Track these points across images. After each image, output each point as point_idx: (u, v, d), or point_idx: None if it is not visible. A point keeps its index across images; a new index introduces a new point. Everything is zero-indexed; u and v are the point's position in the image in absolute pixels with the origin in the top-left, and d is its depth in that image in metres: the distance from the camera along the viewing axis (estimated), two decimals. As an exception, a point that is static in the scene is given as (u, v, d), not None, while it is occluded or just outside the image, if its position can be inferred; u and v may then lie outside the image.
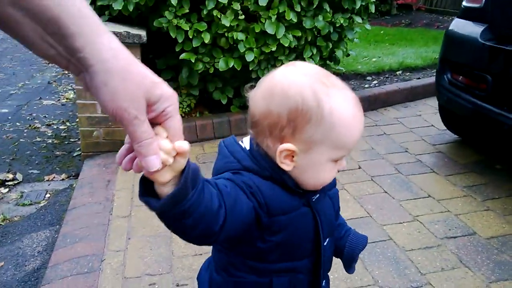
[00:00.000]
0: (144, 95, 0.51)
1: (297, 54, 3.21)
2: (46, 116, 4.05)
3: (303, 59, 3.18)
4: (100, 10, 2.85)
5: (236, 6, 2.76)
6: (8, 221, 2.35)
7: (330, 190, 0.87)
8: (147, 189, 0.61)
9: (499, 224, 2.09)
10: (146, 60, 3.17)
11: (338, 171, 0.77)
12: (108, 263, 1.80)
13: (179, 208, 0.60)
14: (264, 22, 2.85)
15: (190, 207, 0.61)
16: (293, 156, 0.73)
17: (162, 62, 3.16)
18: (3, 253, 2.01)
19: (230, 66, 2.92)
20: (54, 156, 3.22)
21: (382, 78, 4.67)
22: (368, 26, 3.57)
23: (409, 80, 4.21)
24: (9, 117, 4.03)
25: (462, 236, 2.01)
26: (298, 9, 2.90)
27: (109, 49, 0.50)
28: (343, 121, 0.70)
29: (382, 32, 7.05)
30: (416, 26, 7.99)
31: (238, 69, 2.97)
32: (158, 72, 3.20)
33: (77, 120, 3.26)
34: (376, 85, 4.33)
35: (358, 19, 3.29)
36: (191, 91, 3.22)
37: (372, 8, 3.49)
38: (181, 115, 3.15)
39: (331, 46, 3.30)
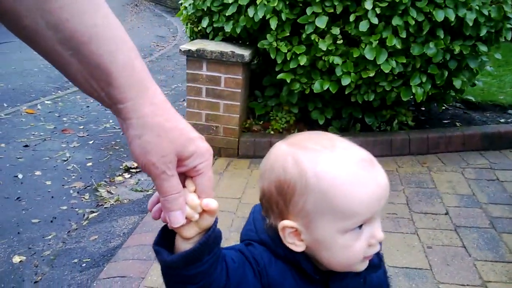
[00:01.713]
0: (175, 151, 0.52)
1: (404, 80, 3.03)
2: (183, 116, 4.73)
3: (410, 86, 3.00)
4: (215, 31, 3.24)
5: (335, 30, 2.79)
6: (119, 202, 2.90)
7: (369, 272, 0.69)
8: (165, 237, 0.59)
9: None
10: (252, 78, 3.45)
11: (371, 245, 0.64)
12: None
13: (189, 271, 0.58)
14: (364, 47, 2.80)
15: (200, 273, 0.58)
16: (300, 235, 0.65)
17: (267, 80, 3.38)
18: (101, 228, 2.52)
19: (325, 88, 2.96)
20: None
21: (527, 113, 3.97)
22: (498, 56, 3.12)
23: (558, 121, 3.49)
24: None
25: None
26: (403, 35, 2.76)
27: (149, 105, 0.51)
28: (336, 185, 0.61)
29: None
30: None
31: (333, 92, 2.98)
32: (263, 88, 3.45)
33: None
34: (517, 121, 3.73)
35: (483, 48, 2.92)
36: (291, 108, 3.37)
37: (508, 35, 3.04)
38: (279, 130, 3.34)
39: (446, 75, 3.01)
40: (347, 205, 0.61)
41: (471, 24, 2.80)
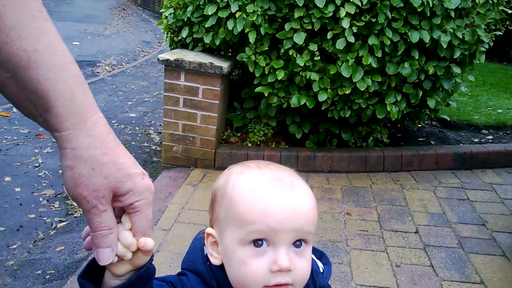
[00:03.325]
0: (111, 187, 0.50)
1: (380, 98, 3.08)
2: (161, 124, 4.69)
3: (385, 104, 3.04)
4: (195, 42, 3.24)
5: (313, 47, 2.82)
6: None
7: None
8: (94, 268, 0.56)
9: None
10: (232, 89, 3.45)
11: (273, 273, 0.59)
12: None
13: None
14: (340, 64, 2.84)
15: None
16: (217, 247, 0.65)
17: (246, 92, 3.39)
18: (68, 239, 2.45)
19: (302, 103, 2.98)
20: (150, 162, 3.72)
21: (501, 133, 4.08)
22: (471, 78, 3.20)
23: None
24: (133, 121, 4.77)
25: None
26: (379, 54, 2.80)
27: (86, 136, 0.49)
28: (240, 194, 0.62)
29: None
30: None
31: (310, 107, 3.00)
32: (242, 100, 3.45)
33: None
34: (490, 141, 3.82)
35: (456, 69, 2.99)
36: (269, 121, 3.38)
37: (481, 58, 3.12)
38: (256, 143, 3.33)
39: (421, 94, 3.07)
40: (242, 212, 0.61)
41: (445, 46, 2.87)
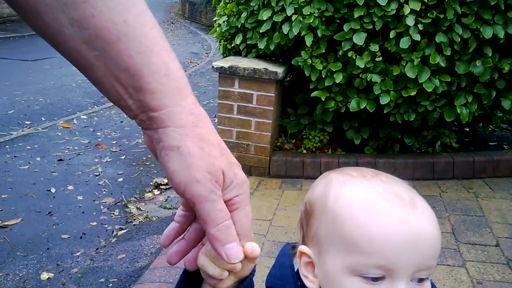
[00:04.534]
0: (223, 169, 0.44)
1: (448, 100, 2.86)
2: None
3: (454, 106, 2.82)
4: (248, 48, 3.19)
5: (374, 47, 2.68)
6: (148, 219, 2.85)
7: None
8: (189, 280, 0.52)
9: None
10: (285, 95, 3.36)
11: None
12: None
13: None
14: (405, 65, 2.67)
15: None
16: (314, 269, 0.56)
17: (300, 97, 3.29)
18: (128, 247, 2.47)
19: (362, 107, 2.83)
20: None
21: None
22: (552, 74, 2.89)
23: None
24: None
25: None
26: (448, 52, 2.60)
27: (189, 114, 0.44)
28: (349, 210, 0.52)
29: None
30: None
31: (371, 111, 2.85)
32: (296, 106, 3.36)
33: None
34: None
35: (535, 65, 2.72)
36: (325, 127, 3.25)
37: None
38: (311, 149, 3.22)
39: (494, 95, 2.82)
40: (354, 235, 0.50)
41: (522, 41, 2.62)
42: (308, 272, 0.56)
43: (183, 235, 0.50)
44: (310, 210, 0.57)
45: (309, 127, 3.32)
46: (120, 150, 3.91)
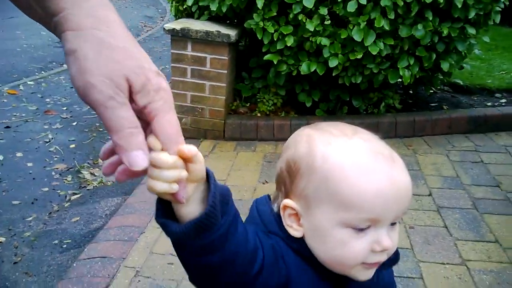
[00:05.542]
0: (125, 75, 0.41)
1: (392, 62, 3.01)
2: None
3: (397, 69, 2.98)
4: (201, 10, 3.16)
5: (323, 11, 2.74)
6: (102, 184, 2.84)
7: (385, 267, 0.64)
8: (165, 207, 0.50)
9: None
10: (239, 59, 3.39)
11: (374, 252, 0.57)
12: (145, 237, 2.08)
13: (205, 239, 0.50)
14: (352, 28, 2.76)
15: (218, 239, 0.50)
16: (299, 219, 0.60)
17: (254, 61, 3.33)
18: (82, 210, 2.48)
19: (312, 70, 2.92)
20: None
21: (514, 97, 3.99)
22: (486, 39, 3.10)
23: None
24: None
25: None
26: (392, 16, 2.72)
27: (88, 16, 0.41)
28: (340, 170, 0.56)
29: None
30: None
31: (321, 74, 2.95)
32: (250, 69, 3.40)
33: (179, 105, 3.69)
34: (503, 104, 3.75)
35: (471, 30, 2.90)
36: (278, 90, 3.33)
37: (496, 18, 3.02)
38: (265, 112, 3.30)
39: (434, 57, 2.99)
40: (348, 194, 0.55)
41: (460, 6, 2.77)
42: (292, 222, 0.60)
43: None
44: (295, 168, 0.60)
45: (263, 91, 3.38)
46: (71, 117, 3.81)
